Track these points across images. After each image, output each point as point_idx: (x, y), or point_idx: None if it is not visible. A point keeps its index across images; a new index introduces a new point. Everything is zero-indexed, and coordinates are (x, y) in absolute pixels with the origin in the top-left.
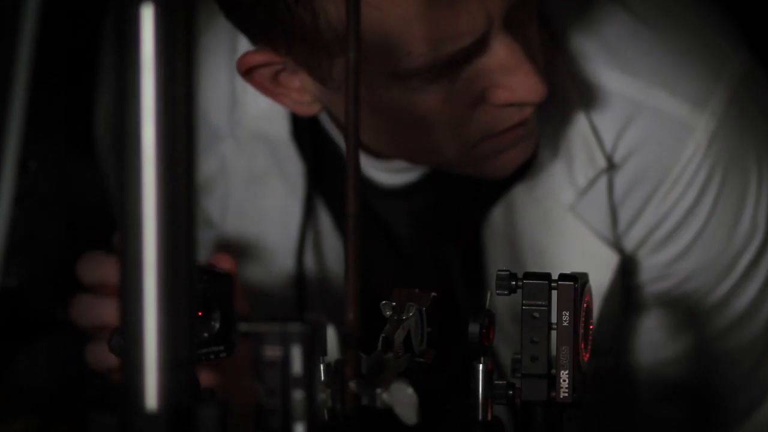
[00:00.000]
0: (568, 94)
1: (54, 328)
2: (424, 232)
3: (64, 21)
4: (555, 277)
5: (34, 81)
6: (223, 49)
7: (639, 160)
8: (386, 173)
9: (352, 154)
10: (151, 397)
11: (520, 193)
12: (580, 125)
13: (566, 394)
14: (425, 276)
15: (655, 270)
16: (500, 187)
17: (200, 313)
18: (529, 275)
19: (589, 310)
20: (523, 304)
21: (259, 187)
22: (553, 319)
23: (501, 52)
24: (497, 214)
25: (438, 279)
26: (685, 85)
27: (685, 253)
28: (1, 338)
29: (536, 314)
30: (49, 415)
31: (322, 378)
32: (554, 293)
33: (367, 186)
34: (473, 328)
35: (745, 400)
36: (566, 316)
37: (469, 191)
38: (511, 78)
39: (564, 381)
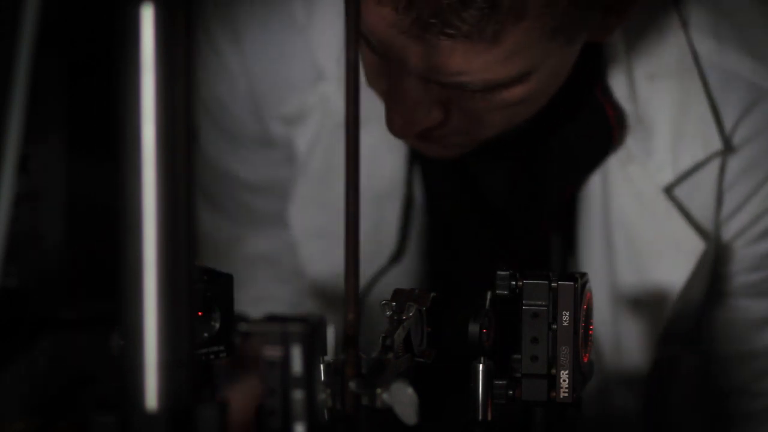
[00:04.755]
0: (688, 74)
1: (55, 329)
2: (518, 192)
3: (64, 21)
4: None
5: (34, 81)
6: None
7: (755, 147)
8: None
9: (351, 153)
10: (151, 397)
11: (615, 166)
12: (699, 106)
13: (566, 394)
14: (517, 236)
15: (750, 260)
16: (597, 156)
17: (200, 313)
18: (528, 275)
19: (589, 310)
20: (523, 304)
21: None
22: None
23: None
24: (594, 183)
25: (528, 240)
26: None
27: None
28: (1, 338)
29: (536, 314)
30: (49, 415)
31: (322, 378)
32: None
33: None
34: (473, 328)
35: None
36: (566, 316)
37: (566, 155)
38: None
39: (564, 381)
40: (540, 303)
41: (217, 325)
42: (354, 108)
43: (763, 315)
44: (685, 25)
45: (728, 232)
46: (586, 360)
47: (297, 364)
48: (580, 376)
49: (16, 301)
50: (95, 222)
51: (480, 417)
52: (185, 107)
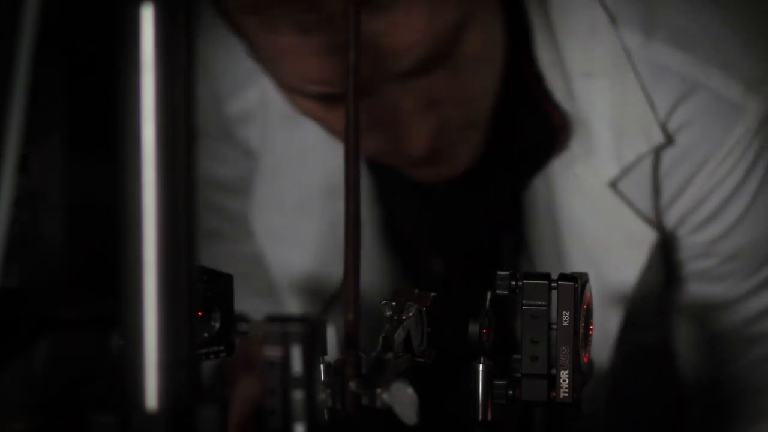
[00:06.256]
0: (622, 70)
1: (55, 329)
2: (460, 195)
3: (64, 21)
4: (557, 277)
5: (34, 81)
6: None
7: (687, 137)
8: None
9: (351, 154)
10: (151, 397)
11: (559, 166)
12: (636, 100)
13: (566, 394)
14: (459, 232)
15: (697, 248)
16: (540, 159)
17: (200, 313)
18: (528, 275)
19: (589, 310)
20: (523, 304)
21: (300, 124)
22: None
23: (386, 104)
24: (539, 185)
25: (471, 239)
26: (741, 66)
27: (727, 233)
28: (1, 338)
29: (536, 314)
30: (49, 415)
31: (322, 378)
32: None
33: None
34: (473, 328)
35: None
36: (566, 316)
37: (508, 159)
38: (396, 129)
39: (564, 381)
40: (540, 303)
41: (217, 325)
42: (354, 108)
43: (721, 300)
44: (614, 22)
45: (670, 220)
46: (586, 360)
47: (297, 364)
48: (580, 376)
49: (16, 301)
50: (95, 222)
51: (480, 417)
52: (185, 107)
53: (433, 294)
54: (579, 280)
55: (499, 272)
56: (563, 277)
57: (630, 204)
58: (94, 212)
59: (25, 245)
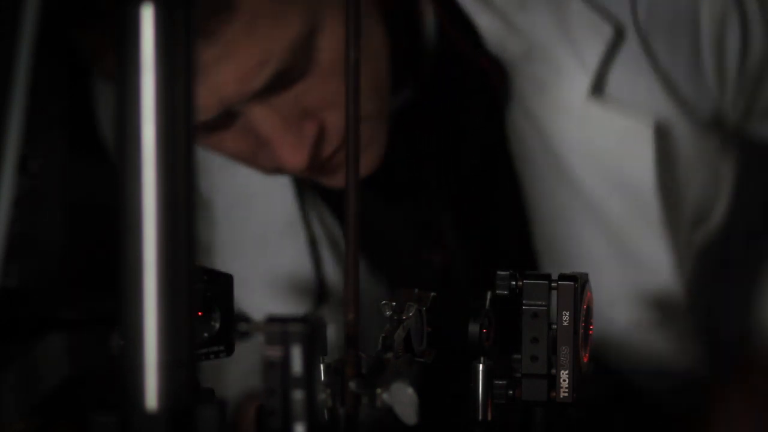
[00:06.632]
0: None
1: (55, 328)
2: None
3: (64, 21)
4: (556, 276)
5: (34, 81)
6: None
7: (667, 15)
8: None
9: (352, 154)
10: (151, 397)
11: (534, 100)
12: (574, 5)
13: (566, 394)
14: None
15: (744, 91)
16: (487, 112)
17: (200, 313)
18: (529, 275)
19: (589, 309)
20: (523, 304)
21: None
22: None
23: (255, 123)
24: (520, 125)
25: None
26: None
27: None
28: (1, 338)
29: (536, 314)
30: (49, 415)
31: (322, 378)
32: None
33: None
34: (473, 328)
35: None
36: (566, 316)
37: (454, 130)
38: (270, 146)
39: (564, 381)
40: (540, 303)
41: (217, 325)
42: (354, 108)
43: None
44: None
45: (708, 97)
46: (586, 360)
47: (297, 364)
48: (580, 376)
49: (16, 301)
50: (95, 222)
51: (480, 417)
52: (185, 107)
53: (433, 294)
54: (579, 280)
55: (499, 272)
56: (563, 277)
57: (621, 102)
58: (94, 212)
59: (25, 245)
